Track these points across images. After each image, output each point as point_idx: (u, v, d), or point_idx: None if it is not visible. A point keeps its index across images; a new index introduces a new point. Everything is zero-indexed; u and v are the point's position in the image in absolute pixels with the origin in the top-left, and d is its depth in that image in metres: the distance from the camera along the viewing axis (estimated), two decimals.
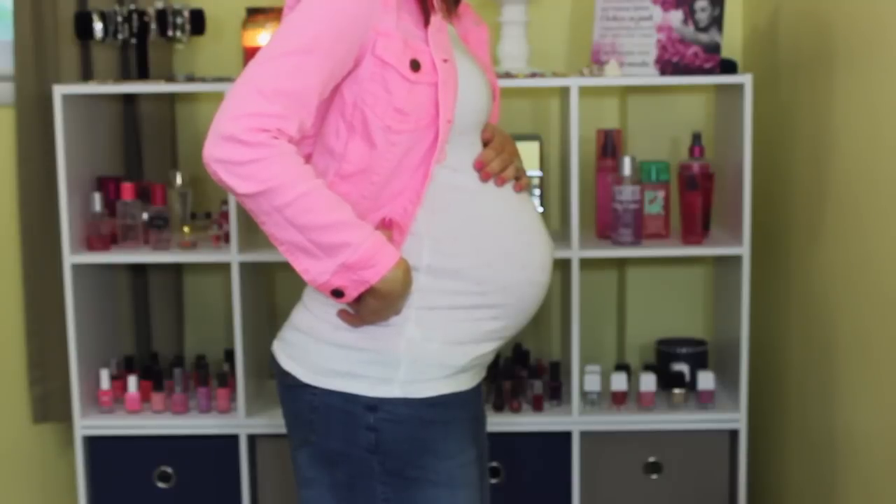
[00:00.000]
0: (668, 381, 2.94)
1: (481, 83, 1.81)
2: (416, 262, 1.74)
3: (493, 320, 1.79)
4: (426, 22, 1.76)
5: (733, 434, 2.88)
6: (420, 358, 1.75)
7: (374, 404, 1.74)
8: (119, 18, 2.89)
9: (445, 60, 1.73)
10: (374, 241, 1.66)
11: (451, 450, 1.78)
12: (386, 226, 1.73)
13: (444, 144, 1.73)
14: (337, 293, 1.69)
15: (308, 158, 1.76)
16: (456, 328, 1.76)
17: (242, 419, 2.87)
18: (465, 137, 1.78)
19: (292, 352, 1.81)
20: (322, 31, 1.66)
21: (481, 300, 1.77)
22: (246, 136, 1.61)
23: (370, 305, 1.70)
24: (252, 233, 2.87)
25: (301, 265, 1.68)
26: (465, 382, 1.81)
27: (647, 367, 3.03)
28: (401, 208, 1.73)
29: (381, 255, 1.67)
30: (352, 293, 1.68)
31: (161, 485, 2.92)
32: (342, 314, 1.74)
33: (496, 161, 1.80)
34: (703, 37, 2.80)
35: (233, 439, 2.89)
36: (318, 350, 1.77)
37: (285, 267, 1.85)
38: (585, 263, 2.96)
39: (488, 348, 1.81)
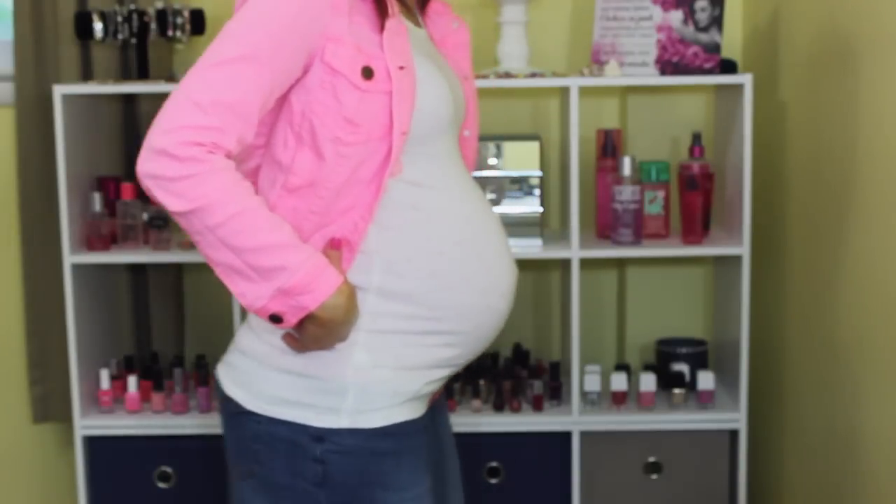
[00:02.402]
0: (668, 381, 2.94)
1: (444, 90, 1.69)
2: (366, 283, 1.64)
3: (448, 347, 1.70)
4: (382, 26, 1.64)
5: (733, 434, 2.88)
6: (369, 385, 1.64)
7: (321, 435, 1.64)
8: (119, 18, 2.88)
9: (402, 67, 1.62)
10: (313, 265, 1.57)
11: (402, 482, 1.68)
12: (334, 246, 1.63)
13: (398, 157, 1.62)
14: (275, 318, 1.59)
15: (257, 171, 1.68)
16: (407, 353, 1.67)
17: None
18: (424, 148, 1.66)
19: (236, 376, 1.71)
20: (263, 37, 1.56)
21: (435, 326, 1.68)
22: (178, 150, 1.52)
23: (310, 332, 1.60)
24: None
25: (237, 288, 1.58)
26: (417, 409, 1.70)
27: (647, 367, 3.03)
28: (351, 224, 1.63)
29: (320, 280, 1.57)
30: (290, 319, 1.58)
31: (161, 485, 2.92)
32: (287, 339, 1.64)
33: None
34: (703, 37, 2.80)
35: None
36: (264, 376, 1.67)
37: None
38: (585, 263, 2.96)
39: (441, 374, 1.72)
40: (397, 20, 1.67)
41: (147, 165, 1.55)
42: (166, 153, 1.53)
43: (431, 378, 1.70)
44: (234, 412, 1.70)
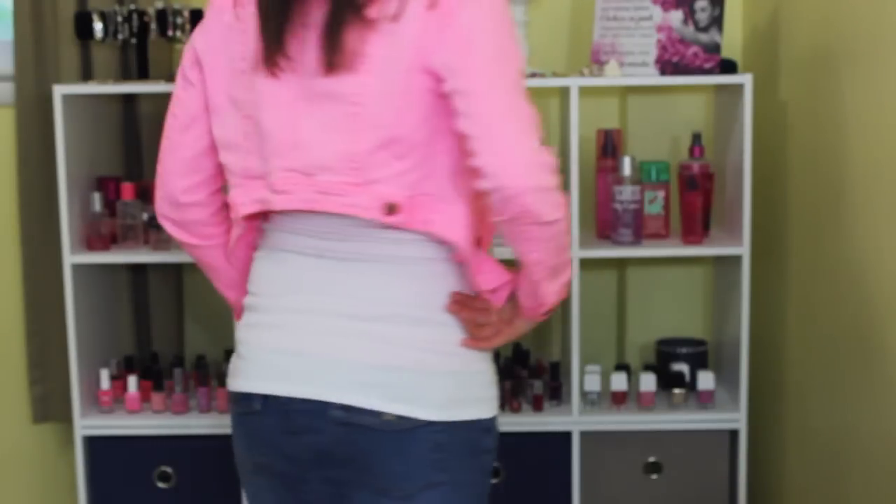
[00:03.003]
0: (668, 381, 2.94)
1: None
2: None
3: None
4: None
5: (733, 434, 2.88)
6: (494, 371, 1.79)
7: (488, 426, 1.74)
8: (119, 18, 2.89)
9: None
10: None
11: None
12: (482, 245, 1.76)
13: None
14: (546, 312, 1.76)
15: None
16: None
17: None
18: None
19: (394, 393, 1.66)
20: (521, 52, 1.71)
21: None
22: (552, 163, 1.64)
23: (528, 324, 1.77)
24: None
25: (550, 287, 1.71)
26: None
27: (647, 367, 3.03)
28: (490, 224, 1.73)
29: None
30: (551, 309, 1.75)
31: (161, 485, 2.92)
32: (470, 342, 1.71)
33: None
34: (703, 37, 2.80)
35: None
36: (431, 383, 1.68)
37: None
38: (585, 263, 2.96)
39: None
40: None
41: (542, 179, 1.61)
42: (552, 167, 1.63)
43: None
44: (401, 430, 1.67)
